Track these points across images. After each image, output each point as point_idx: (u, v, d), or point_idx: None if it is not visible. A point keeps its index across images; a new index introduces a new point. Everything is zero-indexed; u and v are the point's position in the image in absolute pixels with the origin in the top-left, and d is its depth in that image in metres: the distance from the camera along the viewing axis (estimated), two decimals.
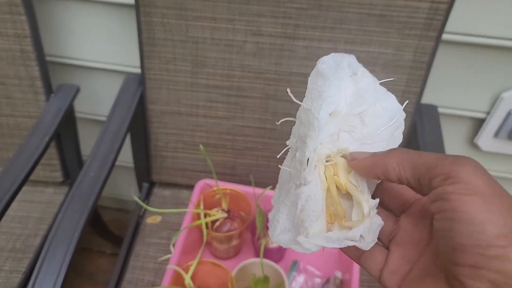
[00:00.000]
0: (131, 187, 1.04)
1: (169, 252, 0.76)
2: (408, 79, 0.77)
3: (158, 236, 0.90)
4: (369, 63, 0.76)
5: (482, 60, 0.82)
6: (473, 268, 0.22)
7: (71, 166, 0.96)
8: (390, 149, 0.28)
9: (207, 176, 0.87)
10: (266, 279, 0.73)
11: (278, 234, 0.31)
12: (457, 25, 0.77)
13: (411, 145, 0.84)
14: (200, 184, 0.84)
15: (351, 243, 0.28)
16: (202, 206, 0.81)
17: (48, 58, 0.91)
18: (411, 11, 0.70)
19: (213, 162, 0.82)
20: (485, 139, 0.92)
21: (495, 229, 0.22)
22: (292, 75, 0.79)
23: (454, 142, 0.96)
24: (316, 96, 0.31)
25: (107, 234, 1.21)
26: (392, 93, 0.88)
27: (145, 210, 0.93)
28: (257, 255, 0.80)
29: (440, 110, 0.87)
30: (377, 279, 0.29)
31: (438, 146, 0.80)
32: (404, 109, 0.89)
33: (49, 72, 0.87)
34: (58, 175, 0.96)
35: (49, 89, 0.86)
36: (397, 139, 0.32)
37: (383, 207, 0.32)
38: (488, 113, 0.89)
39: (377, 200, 0.29)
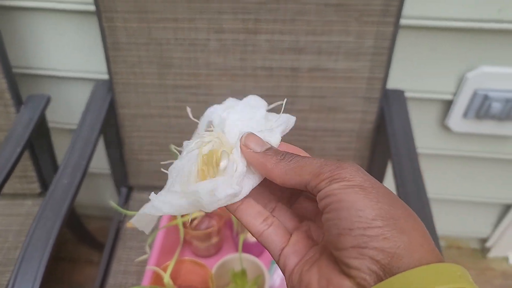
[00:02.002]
0: (107, 193, 1.04)
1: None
2: (371, 66, 0.78)
3: (139, 239, 0.90)
4: (332, 52, 0.77)
5: (444, 42, 0.84)
6: (356, 248, 0.25)
7: (48, 177, 0.96)
8: (279, 157, 0.30)
9: None
10: (243, 272, 0.73)
11: (142, 209, 0.32)
12: (415, 9, 0.79)
13: (380, 131, 0.85)
14: None
15: (196, 200, 0.29)
16: None
17: (16, 70, 0.92)
18: None
19: None
20: (455, 120, 0.93)
21: (373, 212, 0.25)
22: (257, 70, 0.79)
23: (425, 125, 0.97)
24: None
25: (93, 243, 1.21)
26: (357, 81, 0.88)
27: (125, 215, 0.93)
28: (238, 251, 0.81)
29: (408, 94, 0.88)
30: (276, 259, 0.31)
31: (406, 130, 0.81)
32: (371, 96, 0.89)
33: (19, 84, 0.87)
34: (35, 187, 0.96)
35: (18, 101, 0.86)
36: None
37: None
38: (455, 94, 0.90)
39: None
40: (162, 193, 0.31)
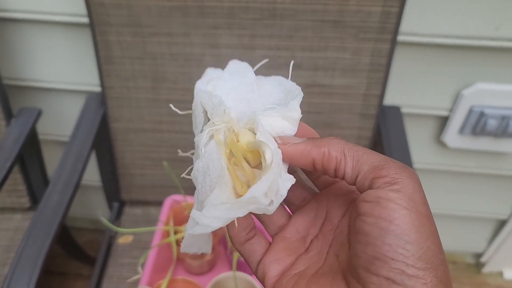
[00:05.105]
0: (99, 208, 1.02)
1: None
2: (368, 83, 0.78)
3: (130, 256, 0.89)
4: (328, 68, 0.76)
5: (440, 59, 0.83)
6: (389, 282, 0.22)
7: (38, 190, 0.94)
8: (326, 138, 0.27)
9: (177, 192, 0.86)
10: None
11: (188, 230, 0.29)
12: (412, 26, 0.78)
13: (377, 147, 0.84)
14: (168, 201, 0.83)
15: (255, 207, 0.25)
16: (171, 223, 0.80)
17: (7, 82, 0.90)
18: (364, 16, 0.71)
19: (181, 177, 0.81)
20: (451, 136, 0.93)
21: (420, 250, 0.23)
22: None
23: (421, 140, 0.97)
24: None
25: (83, 257, 1.18)
26: (354, 97, 0.87)
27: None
28: (232, 269, 0.79)
29: (404, 110, 0.88)
30: (254, 269, 0.29)
31: (403, 146, 0.81)
32: (367, 113, 0.88)
33: (10, 96, 0.86)
34: (25, 201, 0.94)
35: (9, 114, 0.84)
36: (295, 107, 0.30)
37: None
38: (451, 110, 0.90)
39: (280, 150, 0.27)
40: (207, 208, 0.27)
